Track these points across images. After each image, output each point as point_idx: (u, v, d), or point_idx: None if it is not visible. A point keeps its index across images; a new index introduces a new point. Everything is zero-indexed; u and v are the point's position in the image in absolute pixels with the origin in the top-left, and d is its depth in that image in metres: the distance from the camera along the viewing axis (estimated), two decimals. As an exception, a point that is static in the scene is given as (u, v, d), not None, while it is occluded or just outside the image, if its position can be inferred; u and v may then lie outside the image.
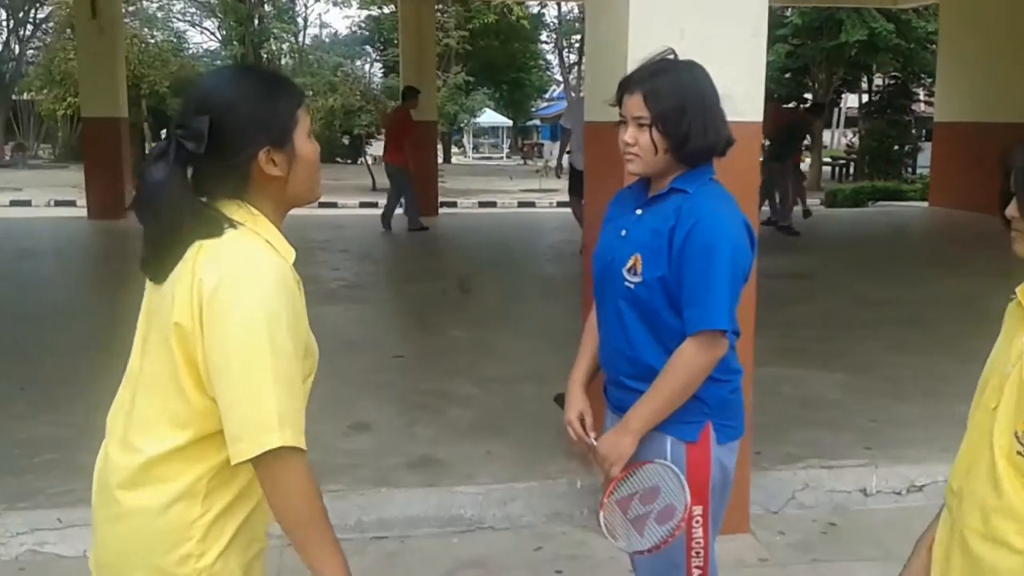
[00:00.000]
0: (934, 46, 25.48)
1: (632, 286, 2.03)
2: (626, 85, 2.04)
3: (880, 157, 24.16)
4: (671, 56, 2.07)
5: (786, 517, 3.68)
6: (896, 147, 24.54)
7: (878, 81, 28.10)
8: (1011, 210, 1.48)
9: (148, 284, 1.55)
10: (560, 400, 2.31)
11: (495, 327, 6.39)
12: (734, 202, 2.05)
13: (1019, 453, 1.46)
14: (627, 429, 2.04)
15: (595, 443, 2.13)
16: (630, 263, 2.03)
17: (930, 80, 27.19)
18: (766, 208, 11.14)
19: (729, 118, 3.23)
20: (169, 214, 1.45)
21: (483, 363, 5.28)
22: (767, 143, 10.98)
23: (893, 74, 26.44)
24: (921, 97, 28.45)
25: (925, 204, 15.38)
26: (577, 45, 34.26)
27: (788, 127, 11.41)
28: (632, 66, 3.23)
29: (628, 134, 2.01)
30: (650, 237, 2.02)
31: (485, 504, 3.54)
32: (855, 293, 7.62)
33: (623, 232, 2.10)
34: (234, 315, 1.39)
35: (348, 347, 5.78)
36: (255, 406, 1.37)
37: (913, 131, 26.01)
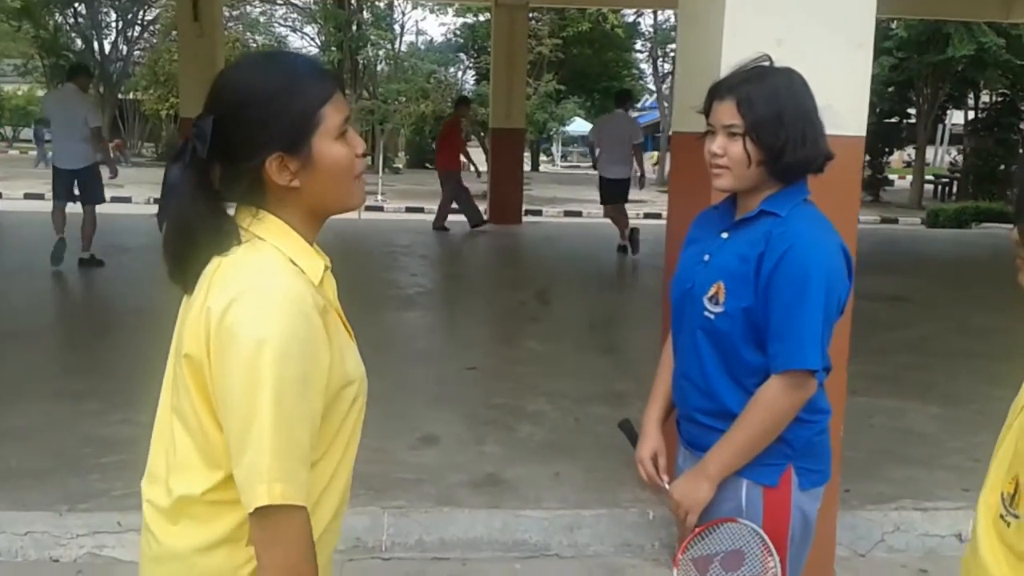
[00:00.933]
0: (1048, 62, 24.38)
1: (712, 316, 1.85)
2: (716, 91, 1.86)
3: (985, 177, 23.14)
4: (766, 63, 1.89)
5: (874, 561, 3.43)
6: (1002, 167, 23.45)
7: (985, 98, 26.92)
8: (1014, 234, 1.28)
9: (184, 298, 1.42)
10: (626, 427, 2.14)
11: (571, 341, 6.24)
12: (831, 226, 1.85)
13: (1002, 517, 1.28)
14: (704, 474, 1.86)
15: (667, 487, 1.96)
16: (712, 291, 1.85)
17: (1043, 98, 25.97)
18: None
19: (829, 132, 3.08)
20: (179, 219, 1.33)
21: (556, 379, 5.13)
22: None
23: (1001, 91, 25.29)
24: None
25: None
26: (672, 55, 33.76)
27: None
28: (726, 74, 3.08)
29: (716, 144, 1.83)
30: (736, 263, 1.83)
31: (551, 530, 3.38)
32: (955, 319, 7.21)
33: (706, 257, 1.92)
34: (235, 350, 1.24)
35: (422, 356, 5.71)
36: (251, 455, 1.23)
37: (1021, 150, 24.82)
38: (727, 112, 1.82)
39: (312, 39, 32.13)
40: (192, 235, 1.32)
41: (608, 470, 3.76)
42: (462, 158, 12.76)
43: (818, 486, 1.93)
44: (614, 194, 10.51)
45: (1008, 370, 5.61)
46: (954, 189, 24.25)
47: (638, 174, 10.66)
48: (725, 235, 1.92)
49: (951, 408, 4.80)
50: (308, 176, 1.34)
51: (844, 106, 3.04)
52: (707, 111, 1.89)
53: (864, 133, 3.14)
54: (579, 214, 22.21)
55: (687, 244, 2.07)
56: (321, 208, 1.40)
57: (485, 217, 12.34)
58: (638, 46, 37.40)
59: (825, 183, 3.09)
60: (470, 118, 12.15)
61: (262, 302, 1.25)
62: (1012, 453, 1.35)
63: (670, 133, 3.59)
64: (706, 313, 1.86)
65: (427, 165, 36.27)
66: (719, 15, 3.02)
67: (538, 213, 18.50)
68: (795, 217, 1.82)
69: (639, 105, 44.94)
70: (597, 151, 10.92)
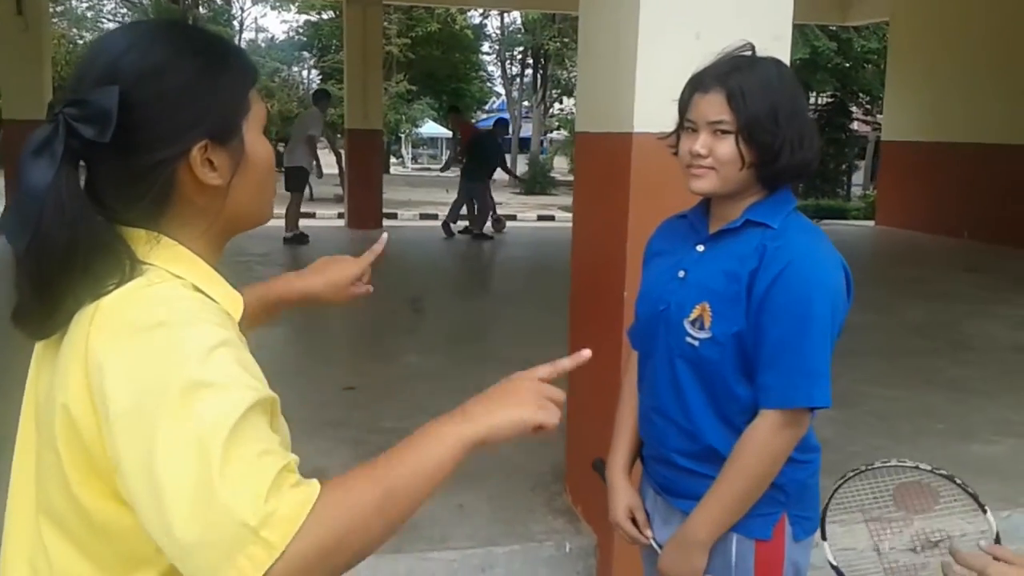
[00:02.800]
0: (871, 64, 25.97)
1: (696, 343, 1.59)
2: (699, 82, 1.61)
3: (817, 175, 24.35)
4: (748, 52, 1.65)
5: None
6: (832, 165, 24.74)
7: (815, 99, 28.41)
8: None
9: (38, 349, 1.03)
10: (600, 467, 1.86)
11: (453, 353, 5.92)
12: (827, 239, 1.63)
13: None
14: (694, 541, 1.60)
15: (655, 544, 1.69)
16: (695, 314, 1.59)
17: (867, 98, 27.68)
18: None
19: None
20: (52, 239, 0.93)
21: (444, 395, 4.75)
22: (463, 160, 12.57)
23: (832, 92, 26.73)
24: (859, 116, 28.88)
25: (871, 223, 15.39)
26: (519, 57, 33.96)
27: (477, 143, 12.36)
28: (645, 70, 2.84)
29: (700, 143, 1.59)
30: (723, 281, 1.58)
31: (461, 571, 3.07)
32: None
33: (681, 273, 1.65)
34: (153, 431, 0.87)
35: (293, 377, 5.25)
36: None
37: (846, 150, 26.30)
38: (714, 106, 1.58)
39: (144, 36, 30.48)
40: (70, 262, 0.94)
41: (516, 497, 3.48)
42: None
43: (811, 534, 1.71)
44: None
45: (886, 370, 5.73)
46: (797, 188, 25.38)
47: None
48: (701, 248, 1.66)
49: (843, 410, 4.79)
50: (235, 174, 1.01)
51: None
52: (684, 105, 1.63)
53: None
54: (435, 217, 21.90)
55: (650, 257, 1.80)
56: (238, 221, 1.07)
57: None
58: (485, 48, 37.52)
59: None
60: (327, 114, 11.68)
61: (172, 358, 0.90)
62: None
63: (576, 132, 3.34)
64: (688, 339, 1.59)
65: (279, 168, 35.12)
66: (632, 9, 2.79)
67: (393, 216, 18.06)
68: (790, 229, 1.59)
69: (486, 107, 45.16)
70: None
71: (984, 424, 4.62)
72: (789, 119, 1.57)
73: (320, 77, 30.28)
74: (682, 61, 2.73)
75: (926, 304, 7.91)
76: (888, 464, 1.55)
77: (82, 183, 0.97)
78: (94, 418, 0.91)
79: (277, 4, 29.24)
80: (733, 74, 1.58)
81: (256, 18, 61.43)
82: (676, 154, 1.68)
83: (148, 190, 0.97)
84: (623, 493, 1.76)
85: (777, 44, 2.87)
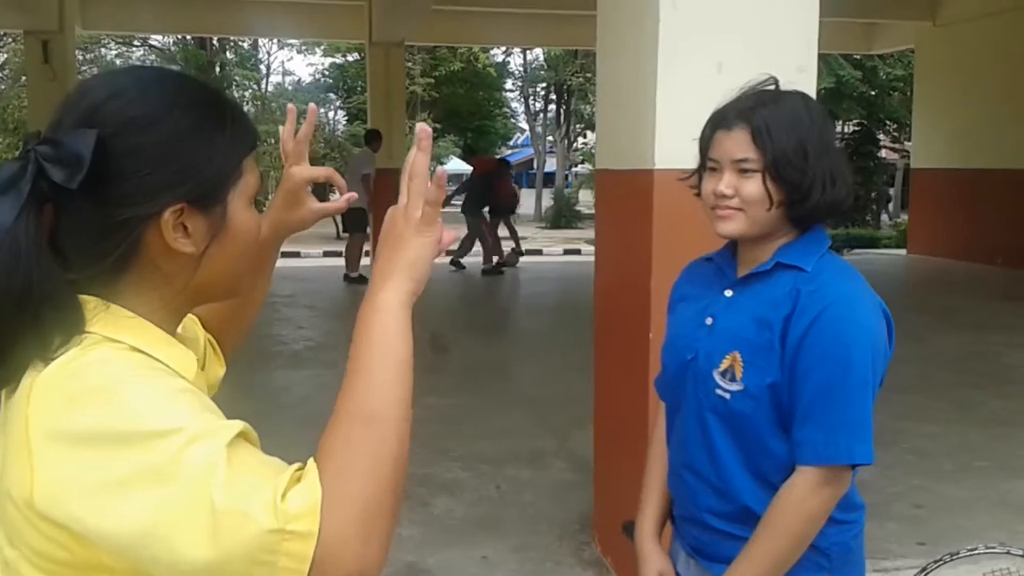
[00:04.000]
0: (897, 92, 25.80)
1: (727, 396, 1.48)
2: (721, 119, 1.51)
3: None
4: (772, 85, 1.56)
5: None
6: (861, 193, 24.51)
7: (842, 128, 28.24)
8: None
9: None
10: (631, 531, 1.74)
11: (477, 393, 5.82)
12: (866, 283, 1.52)
13: None
14: None
15: None
16: (725, 364, 1.48)
17: (894, 126, 27.47)
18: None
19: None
20: (4, 283, 0.83)
21: (469, 438, 4.70)
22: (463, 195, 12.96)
23: (858, 121, 26.56)
24: (886, 143, 28.64)
25: (902, 252, 15.16)
26: (543, 93, 34.12)
27: (476, 180, 12.86)
28: (665, 105, 2.76)
29: (725, 183, 1.49)
30: (754, 329, 1.47)
31: (486, 628, 2.95)
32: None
33: (708, 320, 1.55)
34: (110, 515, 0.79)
35: (314, 421, 5.13)
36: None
37: (874, 177, 26.05)
38: (738, 144, 1.47)
39: (173, 81, 30.94)
40: (21, 310, 0.84)
41: (542, 548, 3.35)
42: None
43: None
44: None
45: (925, 404, 5.55)
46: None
47: None
48: (729, 293, 1.56)
49: (881, 448, 4.62)
50: (212, 244, 0.93)
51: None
52: (705, 143, 1.54)
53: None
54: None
55: (675, 303, 1.70)
56: (206, 292, 0.99)
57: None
58: (508, 85, 37.79)
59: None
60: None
61: (129, 437, 0.80)
62: None
63: (597, 169, 3.26)
64: (719, 391, 1.49)
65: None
66: (651, 40, 2.72)
67: (420, 254, 18.06)
68: (826, 272, 1.48)
69: (511, 143, 45.39)
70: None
71: (1029, 460, 4.44)
72: (819, 155, 1.47)
73: (347, 118, 30.57)
74: (704, 94, 2.65)
75: (962, 334, 7.70)
76: (974, 551, 1.36)
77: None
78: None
79: (304, 48, 29.61)
80: (757, 109, 1.48)
81: (283, 62, 62.45)
82: (699, 195, 1.58)
83: (113, 249, 0.88)
84: (653, 559, 1.64)
85: (802, 76, 2.78)
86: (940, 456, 4.55)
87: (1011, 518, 3.71)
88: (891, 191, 29.86)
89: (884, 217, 27.44)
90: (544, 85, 33.48)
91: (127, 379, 0.84)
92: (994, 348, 7.15)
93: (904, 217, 20.42)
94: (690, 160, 2.82)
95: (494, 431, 4.88)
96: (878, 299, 1.49)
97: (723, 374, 1.48)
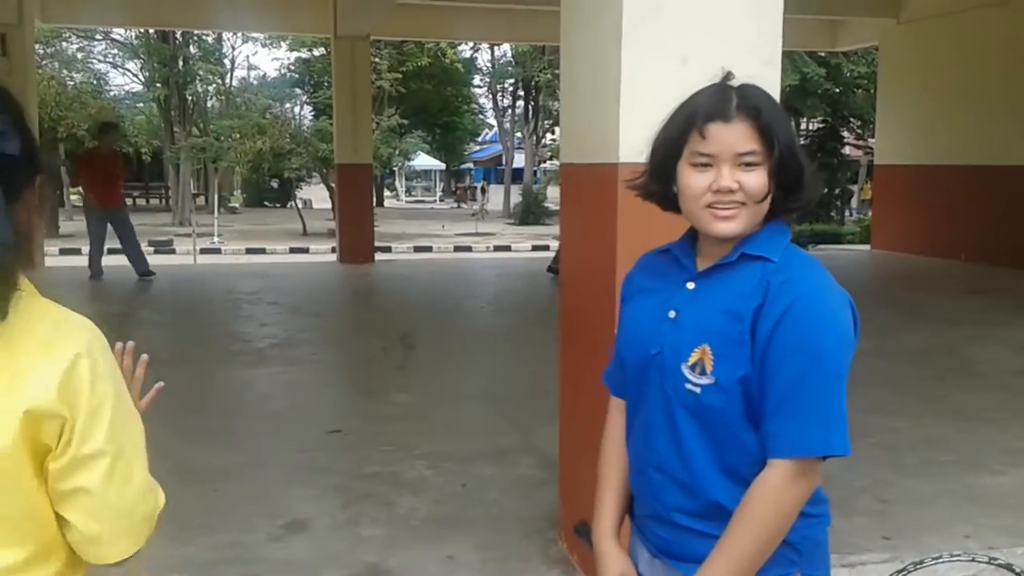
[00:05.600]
0: (861, 89, 26.05)
1: (697, 390, 1.44)
2: (721, 109, 1.45)
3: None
4: (733, 80, 1.52)
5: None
6: (825, 190, 24.79)
7: (806, 125, 28.49)
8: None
9: None
10: (585, 532, 1.70)
11: (444, 391, 5.76)
12: (830, 274, 1.50)
13: None
14: None
15: None
16: (694, 358, 1.44)
17: (858, 123, 27.75)
18: None
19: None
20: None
21: (433, 436, 4.65)
22: None
23: (823, 118, 26.81)
24: (849, 140, 28.94)
25: (866, 247, 15.30)
26: (511, 89, 34.08)
27: None
28: (629, 98, 2.72)
29: (727, 177, 1.44)
30: (722, 321, 1.43)
31: (450, 628, 2.91)
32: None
33: (672, 313, 1.51)
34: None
35: (277, 420, 5.10)
36: None
37: (838, 174, 26.33)
38: (742, 136, 1.43)
39: (135, 75, 30.52)
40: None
41: (507, 546, 3.31)
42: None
43: None
44: None
45: (890, 399, 5.57)
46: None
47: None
48: (691, 285, 1.52)
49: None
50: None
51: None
52: (685, 137, 1.48)
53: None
54: (429, 249, 21.86)
55: (630, 296, 1.65)
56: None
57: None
58: (476, 81, 37.72)
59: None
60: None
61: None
62: None
63: (561, 163, 3.22)
64: (688, 386, 1.45)
65: (266, 203, 35.08)
66: (615, 34, 2.69)
67: (387, 250, 18.00)
68: (793, 263, 1.45)
69: (479, 139, 45.31)
70: None
71: (993, 454, 4.46)
72: (800, 149, 1.48)
73: (313, 113, 30.32)
74: (668, 88, 2.64)
75: (927, 329, 7.77)
76: (939, 560, 1.30)
77: None
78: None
79: (268, 42, 29.28)
80: (754, 101, 1.45)
81: (248, 56, 61.78)
82: (646, 196, 1.58)
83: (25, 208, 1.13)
84: (614, 560, 1.60)
85: (767, 69, 2.76)
86: (905, 450, 4.56)
87: (976, 512, 3.73)
88: (854, 188, 30.19)
89: (847, 213, 27.73)
90: (512, 81, 33.47)
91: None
92: (959, 343, 7.21)
93: (868, 213, 20.64)
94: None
95: (460, 428, 4.83)
96: (845, 291, 1.47)
97: (692, 368, 1.44)
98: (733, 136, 1.43)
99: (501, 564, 3.19)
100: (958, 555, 1.09)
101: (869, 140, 25.91)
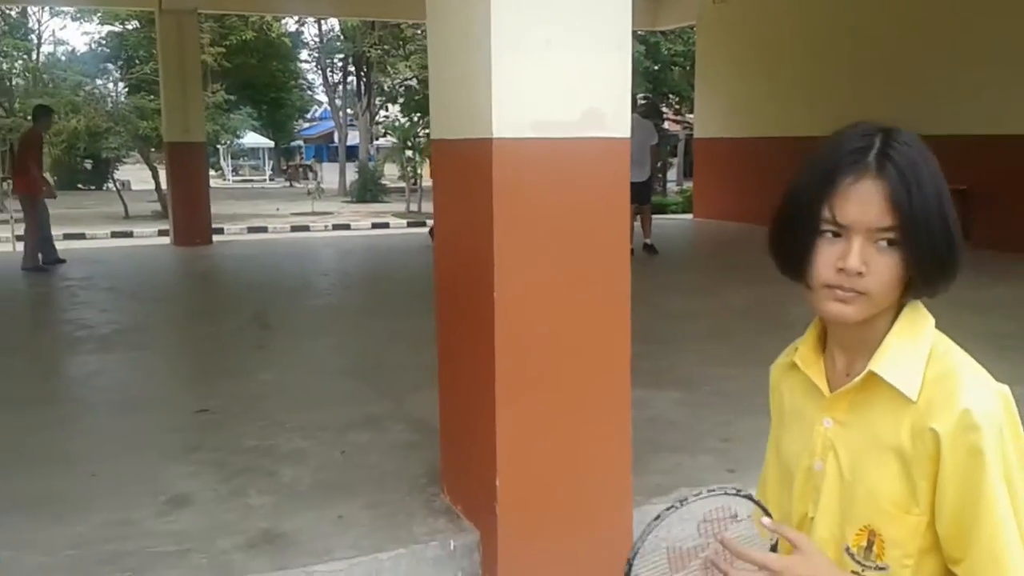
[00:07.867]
0: (679, 67, 27.38)
1: None
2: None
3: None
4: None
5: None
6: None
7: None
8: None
9: None
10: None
11: (307, 367, 5.85)
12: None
13: (855, 573, 1.26)
14: None
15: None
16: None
17: (677, 99, 29.16)
18: None
19: (599, 135, 3.06)
20: None
21: (305, 409, 4.75)
22: None
23: (644, 94, 28.00)
24: (669, 115, 30.37)
25: (689, 216, 16.26)
26: (340, 65, 33.50)
27: None
28: (501, 80, 2.94)
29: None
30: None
31: (349, 581, 3.07)
32: (658, 306, 7.72)
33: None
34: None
35: (141, 404, 5.04)
36: None
37: (660, 148, 27.65)
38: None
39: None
40: None
41: (393, 503, 3.50)
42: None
43: None
44: (638, 196, 9.90)
45: (722, 351, 6.09)
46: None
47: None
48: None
49: (685, 392, 5.09)
50: None
51: (609, 108, 3.03)
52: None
53: (629, 135, 3.14)
54: (264, 229, 21.36)
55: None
56: None
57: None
58: (304, 56, 36.82)
59: (597, 188, 3.10)
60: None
61: None
62: (839, 502, 1.30)
63: (432, 139, 3.42)
64: None
65: (79, 186, 33.05)
66: (484, 17, 2.88)
67: (220, 231, 17.49)
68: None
69: (308, 116, 44.28)
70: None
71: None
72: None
73: (127, 89, 28.82)
74: (537, 67, 2.87)
75: (746, 288, 8.44)
76: (699, 496, 1.36)
77: None
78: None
79: (79, 15, 27.54)
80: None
81: (55, 31, 57.58)
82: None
83: None
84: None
85: (620, 55, 3.03)
86: (740, 395, 5.04)
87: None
88: (674, 160, 31.75)
89: (669, 185, 29.12)
90: (342, 57, 32.91)
91: None
92: (773, 299, 7.90)
93: (688, 184, 21.81)
94: (526, 127, 3.01)
95: (330, 400, 4.95)
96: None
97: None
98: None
99: (390, 519, 3.38)
100: (713, 489, 1.18)
101: (687, 116, 27.31)
